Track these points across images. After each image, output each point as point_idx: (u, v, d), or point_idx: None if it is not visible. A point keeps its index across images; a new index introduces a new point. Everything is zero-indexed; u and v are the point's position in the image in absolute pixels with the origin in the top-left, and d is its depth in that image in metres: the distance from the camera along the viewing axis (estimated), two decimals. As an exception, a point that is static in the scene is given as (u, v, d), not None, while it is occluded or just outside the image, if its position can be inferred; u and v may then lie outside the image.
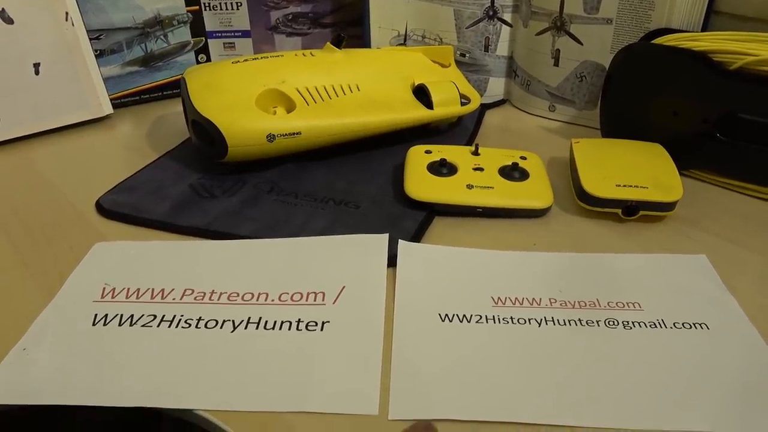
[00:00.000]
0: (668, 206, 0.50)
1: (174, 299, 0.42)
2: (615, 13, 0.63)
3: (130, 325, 0.40)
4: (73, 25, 0.67)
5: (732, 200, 0.55)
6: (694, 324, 0.40)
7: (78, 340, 0.39)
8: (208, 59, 0.80)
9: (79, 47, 0.68)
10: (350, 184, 0.57)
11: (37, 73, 0.66)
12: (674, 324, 0.40)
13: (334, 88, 0.60)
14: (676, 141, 0.57)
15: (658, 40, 0.58)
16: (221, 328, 0.40)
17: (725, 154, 0.55)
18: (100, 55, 0.72)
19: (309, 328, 0.39)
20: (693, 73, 0.54)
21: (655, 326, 0.40)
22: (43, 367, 0.37)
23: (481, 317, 0.41)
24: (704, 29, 0.60)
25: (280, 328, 0.39)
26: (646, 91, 0.58)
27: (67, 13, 0.67)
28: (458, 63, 0.73)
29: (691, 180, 0.58)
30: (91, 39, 0.69)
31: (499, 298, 0.42)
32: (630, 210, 0.50)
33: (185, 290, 0.43)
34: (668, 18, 0.60)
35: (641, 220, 0.51)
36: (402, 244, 0.47)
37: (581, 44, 0.66)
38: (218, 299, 0.42)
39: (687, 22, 0.60)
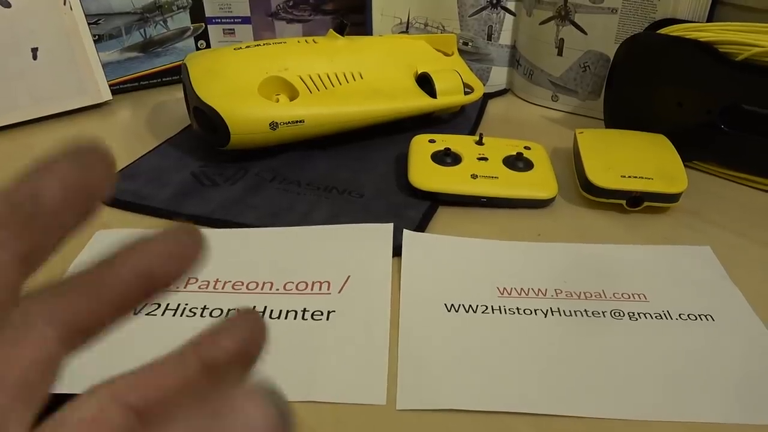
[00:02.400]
0: (673, 197, 0.50)
1: (177, 287, 0.42)
2: (620, 3, 0.62)
3: (134, 313, 0.40)
4: (71, 9, 0.66)
5: (736, 192, 0.55)
6: (699, 315, 0.40)
7: (82, 328, 0.39)
8: (208, 45, 0.79)
9: (78, 32, 0.67)
10: (353, 173, 0.56)
11: (35, 58, 0.65)
12: (679, 315, 0.40)
13: (337, 76, 0.59)
14: (680, 132, 0.57)
15: (664, 31, 0.57)
16: (226, 316, 0.39)
17: (729, 145, 0.55)
18: (98, 40, 0.71)
19: (315, 317, 0.39)
20: (698, 64, 0.54)
21: (661, 317, 0.40)
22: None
23: (486, 307, 0.41)
24: (709, 20, 0.59)
25: (286, 317, 0.39)
26: (650, 82, 0.58)
27: (65, -3, 0.66)
28: (460, 52, 0.73)
29: (695, 172, 0.58)
30: (89, 24, 0.68)
31: (504, 288, 0.42)
32: (635, 201, 0.50)
33: (189, 278, 0.43)
34: (674, 8, 0.60)
35: (645, 212, 0.51)
36: (407, 233, 0.47)
37: (585, 34, 0.66)
38: (222, 288, 0.42)
39: (692, 12, 0.60)
